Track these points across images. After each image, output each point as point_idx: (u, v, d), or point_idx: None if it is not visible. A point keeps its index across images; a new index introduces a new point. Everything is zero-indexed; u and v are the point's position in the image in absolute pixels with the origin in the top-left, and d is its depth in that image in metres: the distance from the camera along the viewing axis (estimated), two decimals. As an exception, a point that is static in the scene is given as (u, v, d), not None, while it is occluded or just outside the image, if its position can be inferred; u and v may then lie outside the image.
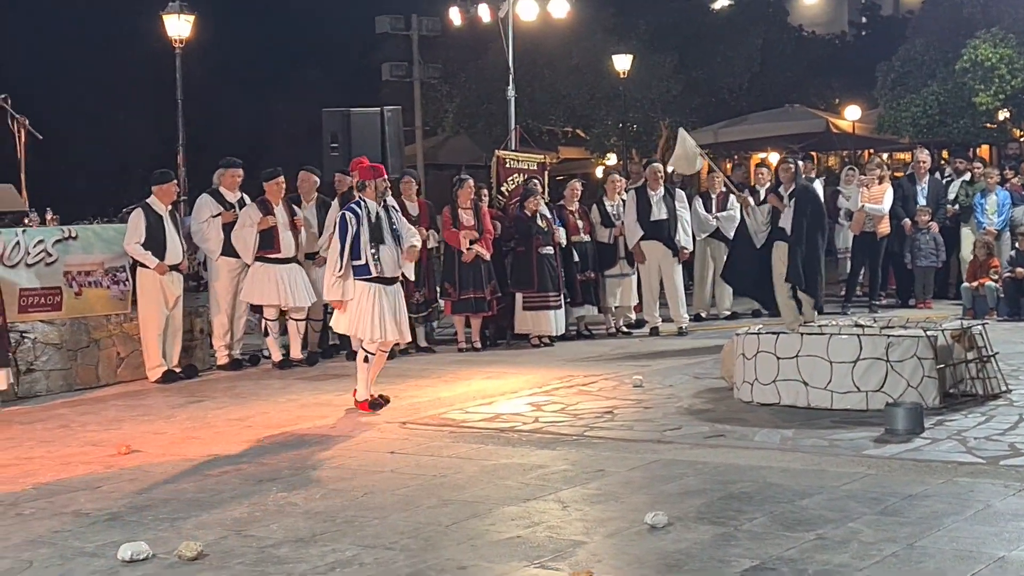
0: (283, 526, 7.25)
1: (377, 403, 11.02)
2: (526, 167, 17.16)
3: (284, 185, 14.11)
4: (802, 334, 10.57)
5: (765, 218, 14.08)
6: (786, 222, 13.86)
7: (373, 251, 10.81)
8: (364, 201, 10.96)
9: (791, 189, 13.99)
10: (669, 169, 16.76)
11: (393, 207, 11.28)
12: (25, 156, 13.91)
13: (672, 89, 35.17)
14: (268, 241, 13.81)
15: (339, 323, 11.19)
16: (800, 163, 14.95)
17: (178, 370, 13.49)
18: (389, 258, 10.93)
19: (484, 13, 24.10)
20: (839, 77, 37.31)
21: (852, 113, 32.64)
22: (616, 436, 9.51)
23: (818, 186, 17.08)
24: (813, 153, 29.65)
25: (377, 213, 10.97)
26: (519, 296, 15.11)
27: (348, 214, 10.90)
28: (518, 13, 23.47)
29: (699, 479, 8.02)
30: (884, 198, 17.53)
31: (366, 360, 10.99)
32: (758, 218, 14.19)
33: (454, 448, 9.31)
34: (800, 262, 13.72)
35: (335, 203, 14.46)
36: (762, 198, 15.05)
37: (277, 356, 14.08)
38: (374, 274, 10.85)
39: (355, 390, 11.13)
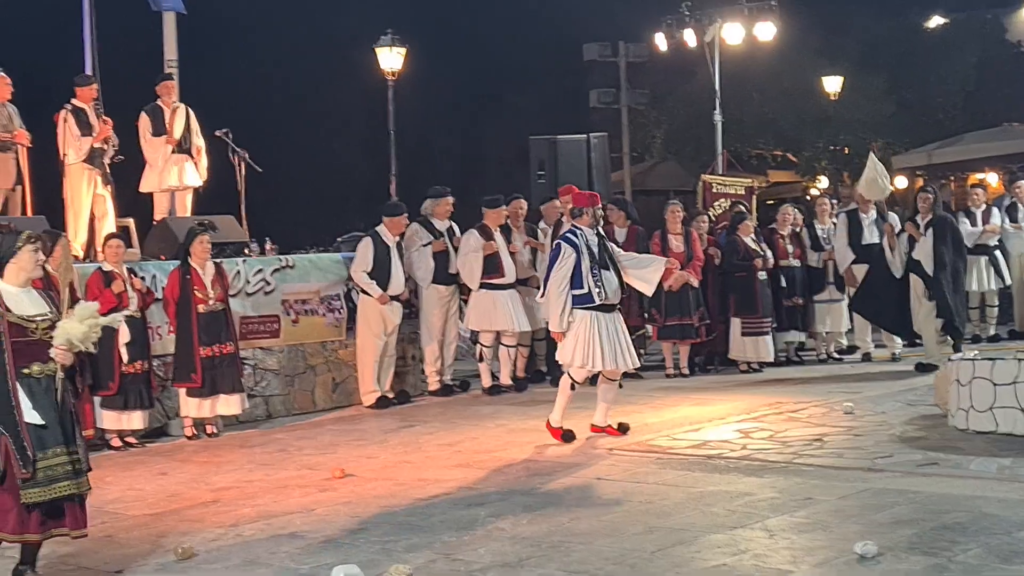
0: (490, 550, 7.36)
1: (569, 434, 10.92)
2: (733, 192, 17.06)
3: (505, 213, 14.32)
4: (1020, 360, 10.26)
5: (904, 247, 13.95)
6: (921, 253, 13.74)
7: (596, 278, 10.72)
8: (580, 229, 10.92)
9: (928, 219, 13.84)
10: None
11: (601, 234, 11.27)
12: (245, 188, 14.42)
13: (884, 110, 34.47)
14: (492, 267, 14.02)
15: (562, 353, 11.02)
16: (939, 192, 14.70)
17: (391, 396, 13.77)
18: (611, 284, 10.83)
19: (690, 38, 24.05)
20: (1061, 93, 36.04)
21: (1075, 131, 31.48)
22: (825, 464, 9.37)
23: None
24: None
25: (597, 240, 10.97)
26: (737, 321, 15.00)
27: (564, 244, 10.80)
28: (724, 37, 23.37)
29: (911, 508, 7.86)
30: (1111, 220, 16.88)
31: (572, 388, 10.94)
32: (901, 248, 14.06)
33: (660, 475, 9.30)
34: (947, 293, 13.55)
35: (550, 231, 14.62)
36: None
37: (487, 382, 14.26)
38: (597, 302, 10.76)
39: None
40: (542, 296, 11.05)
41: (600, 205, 11.37)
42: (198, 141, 14.42)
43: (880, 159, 33.38)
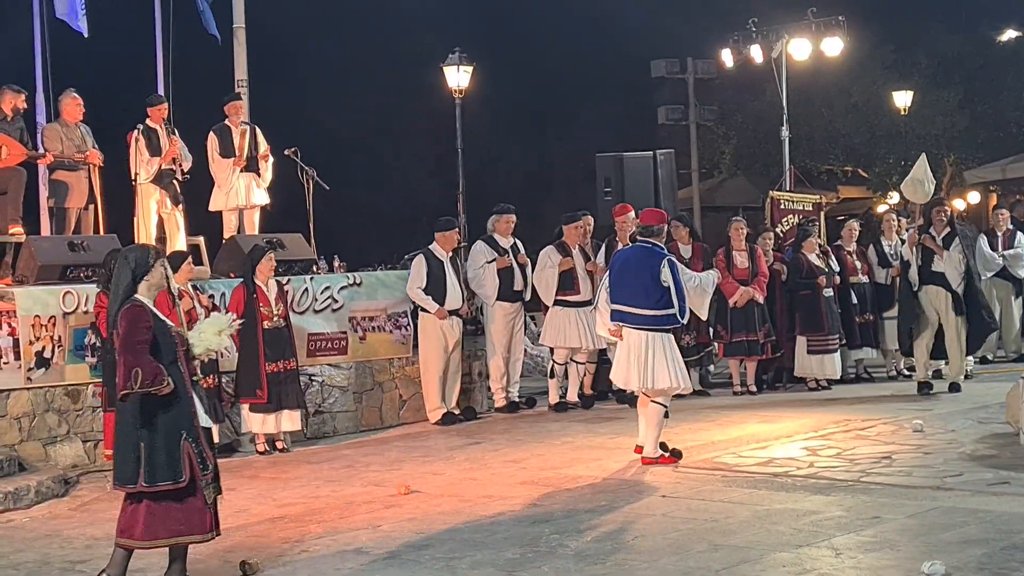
0: (554, 568, 7.36)
1: (677, 451, 10.67)
2: (801, 208, 16.94)
3: (582, 228, 14.27)
4: (1093, 377, 10.12)
5: (917, 261, 13.89)
6: (947, 266, 13.81)
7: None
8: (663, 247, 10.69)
9: (945, 233, 13.87)
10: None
11: None
12: (313, 206, 14.51)
13: (957, 124, 34.18)
14: (568, 283, 14.02)
15: (660, 379, 10.52)
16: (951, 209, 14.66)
17: (457, 412, 13.80)
18: None
19: (756, 54, 23.92)
20: None
21: None
22: (893, 482, 9.28)
23: None
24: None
25: None
26: (802, 339, 14.89)
27: (676, 262, 10.59)
28: (791, 52, 23.24)
29: (980, 528, 7.76)
30: None
31: (667, 415, 10.66)
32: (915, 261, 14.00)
33: (726, 492, 9.26)
34: (981, 308, 13.79)
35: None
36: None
37: (555, 398, 14.24)
38: (682, 322, 10.67)
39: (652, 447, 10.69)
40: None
41: (667, 223, 11.27)
42: (265, 151, 14.49)
43: (954, 174, 33.17)
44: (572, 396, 14.35)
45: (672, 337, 10.66)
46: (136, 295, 7.20)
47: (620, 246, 13.52)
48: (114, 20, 17.06)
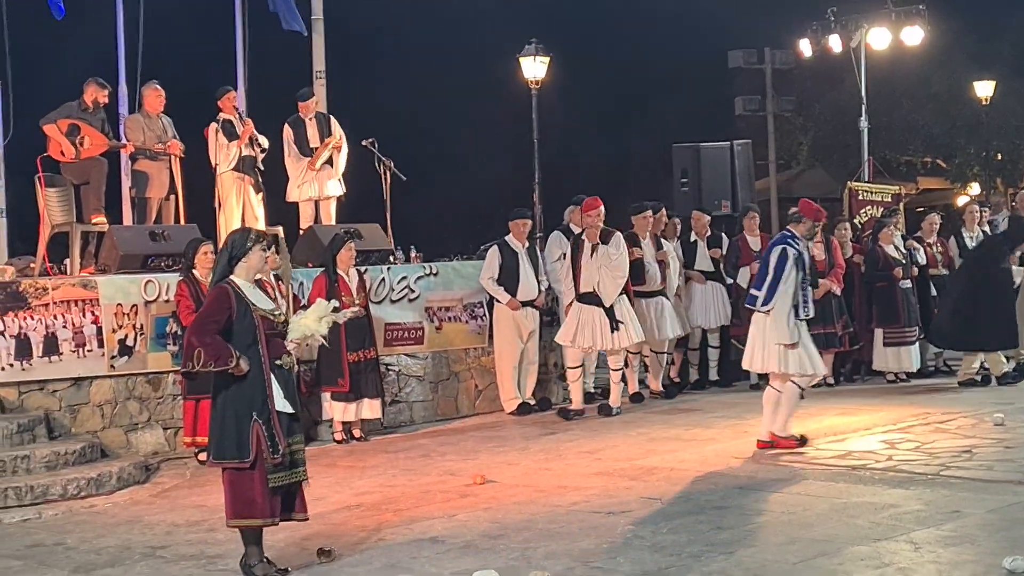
0: (629, 559, 7.35)
1: (803, 439, 10.73)
2: (879, 199, 16.76)
3: (651, 219, 14.18)
4: None
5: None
6: None
7: (804, 293, 10.56)
8: (798, 238, 10.67)
9: (976, 233, 13.95)
10: None
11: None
12: (391, 196, 14.58)
13: (1039, 115, 33.65)
14: (635, 274, 13.93)
15: (789, 363, 10.55)
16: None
17: (533, 402, 13.81)
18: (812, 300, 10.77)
19: (835, 43, 23.68)
20: None
21: None
22: (974, 476, 9.19)
23: None
24: None
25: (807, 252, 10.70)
26: (879, 331, 14.74)
27: (791, 250, 10.52)
28: (870, 42, 22.99)
29: (1063, 523, 7.67)
30: None
31: (803, 397, 10.74)
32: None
33: (804, 485, 9.20)
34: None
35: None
36: None
37: (633, 388, 14.18)
38: (802, 317, 10.56)
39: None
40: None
41: (823, 222, 11.21)
42: (338, 141, 14.53)
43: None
44: (654, 386, 14.30)
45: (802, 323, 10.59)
46: (231, 276, 7.35)
47: (586, 240, 13.27)
48: (195, 12, 17.19)
